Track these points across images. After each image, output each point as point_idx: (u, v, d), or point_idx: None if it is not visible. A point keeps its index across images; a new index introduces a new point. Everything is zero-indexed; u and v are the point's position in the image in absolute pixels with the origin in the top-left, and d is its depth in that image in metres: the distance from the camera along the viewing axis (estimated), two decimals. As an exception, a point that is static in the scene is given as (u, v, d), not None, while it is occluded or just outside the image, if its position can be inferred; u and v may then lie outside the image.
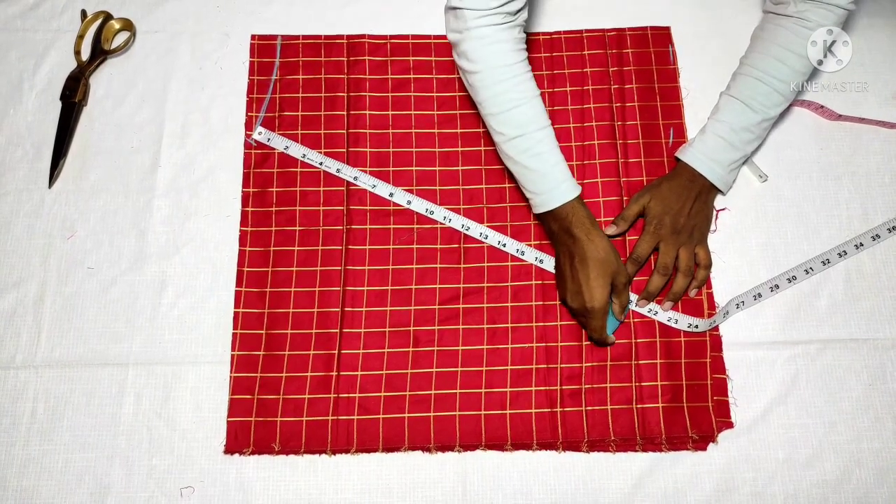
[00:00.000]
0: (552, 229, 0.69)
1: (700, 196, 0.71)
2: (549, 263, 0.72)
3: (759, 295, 0.71)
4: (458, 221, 0.73)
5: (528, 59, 0.68)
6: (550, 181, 0.67)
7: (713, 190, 0.72)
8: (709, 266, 0.71)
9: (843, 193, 0.75)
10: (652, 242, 0.70)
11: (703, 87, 0.79)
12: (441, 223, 0.74)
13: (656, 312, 0.70)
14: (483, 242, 0.73)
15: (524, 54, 0.68)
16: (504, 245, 0.73)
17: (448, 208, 0.75)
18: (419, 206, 0.74)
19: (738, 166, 0.73)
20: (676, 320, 0.70)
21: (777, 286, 0.71)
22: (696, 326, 0.69)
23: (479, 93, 0.67)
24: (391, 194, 0.74)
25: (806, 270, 0.72)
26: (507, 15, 0.65)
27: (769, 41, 0.71)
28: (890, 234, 0.73)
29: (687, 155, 0.72)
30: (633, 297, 0.71)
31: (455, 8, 0.65)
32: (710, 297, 0.71)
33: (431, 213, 0.74)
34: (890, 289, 0.72)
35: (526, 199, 0.71)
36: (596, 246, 0.66)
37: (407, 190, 0.75)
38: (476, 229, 0.73)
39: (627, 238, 0.73)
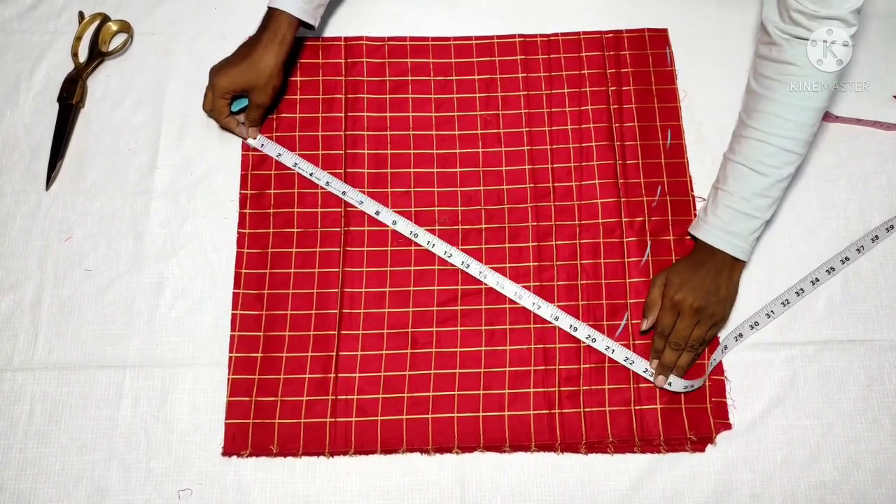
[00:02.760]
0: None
1: (722, 270, 0.67)
2: (546, 310, 0.70)
3: (772, 312, 0.71)
4: (440, 248, 0.72)
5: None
6: None
7: (737, 264, 0.68)
8: (707, 343, 0.68)
9: (840, 195, 0.76)
10: (673, 315, 0.67)
11: (701, 89, 0.79)
12: (425, 247, 0.73)
13: (633, 362, 0.68)
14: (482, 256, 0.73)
15: None
16: (503, 287, 0.71)
17: (446, 209, 0.75)
18: (404, 227, 0.73)
19: (760, 232, 0.68)
20: (670, 381, 0.68)
21: (787, 301, 0.71)
22: (692, 386, 0.68)
23: None
24: (377, 212, 0.74)
25: (812, 281, 0.72)
26: None
27: (767, 98, 0.66)
28: (888, 233, 0.73)
29: (701, 231, 0.68)
30: (642, 362, 0.69)
31: None
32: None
33: (416, 235, 0.73)
34: (887, 290, 0.72)
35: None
36: None
37: (404, 192, 0.75)
38: (476, 267, 0.72)
39: (627, 278, 0.73)
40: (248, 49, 0.72)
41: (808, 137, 0.66)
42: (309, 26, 0.74)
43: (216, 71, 0.73)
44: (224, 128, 0.76)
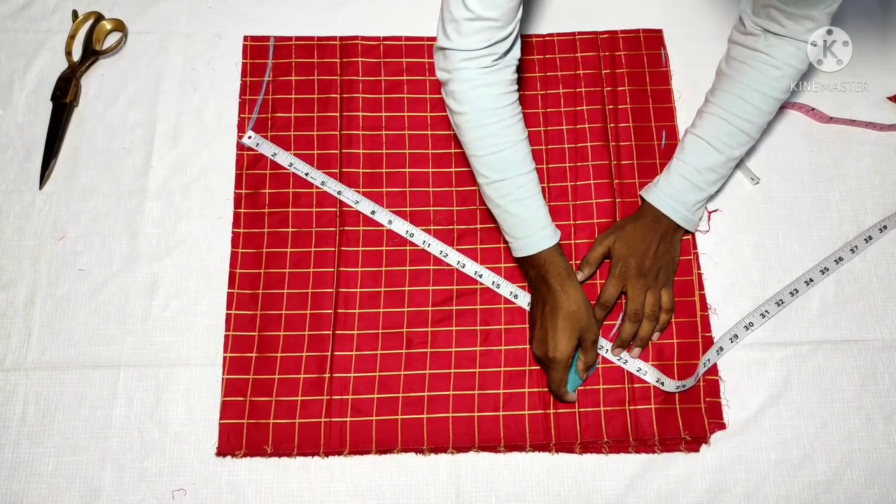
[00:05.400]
0: (529, 275, 0.69)
1: (665, 237, 0.70)
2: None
3: (767, 312, 0.71)
4: (436, 247, 0.73)
5: (518, 101, 0.67)
6: (530, 227, 0.66)
7: (679, 230, 0.71)
8: (671, 310, 0.69)
9: (833, 195, 0.76)
10: (619, 286, 0.69)
11: (696, 89, 0.79)
12: (421, 246, 0.73)
13: (626, 361, 0.69)
14: (477, 249, 0.73)
15: (514, 97, 0.66)
16: (499, 287, 0.71)
17: (442, 209, 0.75)
18: (399, 227, 0.73)
19: (703, 206, 0.72)
20: (662, 381, 0.68)
21: (782, 301, 0.71)
22: (684, 386, 0.68)
23: (464, 134, 0.66)
24: (373, 212, 0.74)
25: (806, 281, 0.72)
26: (496, 57, 0.64)
27: (734, 79, 0.69)
28: (881, 233, 0.74)
29: (651, 195, 0.70)
30: (606, 343, 0.69)
31: (443, 48, 0.64)
32: (703, 298, 0.72)
33: (412, 235, 0.73)
34: (880, 290, 0.72)
35: (506, 242, 0.70)
36: (569, 297, 0.65)
37: (400, 192, 0.75)
38: (472, 267, 0.72)
39: (598, 280, 0.72)
40: (550, 307, 0.66)
41: (763, 124, 0.70)
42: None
43: (553, 349, 0.65)
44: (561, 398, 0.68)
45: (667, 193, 0.70)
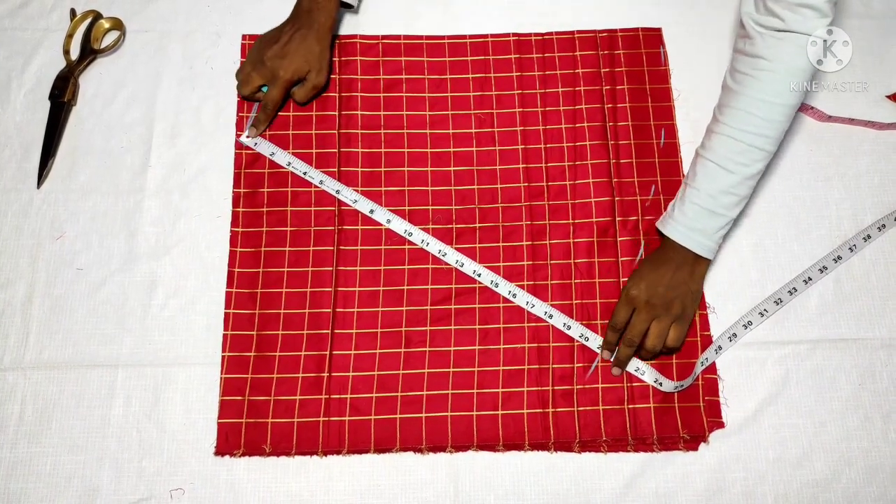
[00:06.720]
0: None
1: (682, 267, 0.67)
2: (539, 308, 0.71)
3: (765, 311, 0.71)
4: (435, 246, 0.72)
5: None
6: None
7: (700, 261, 0.67)
8: (675, 350, 0.67)
9: (833, 194, 0.76)
10: (628, 309, 0.67)
11: (695, 88, 0.79)
12: (419, 245, 0.73)
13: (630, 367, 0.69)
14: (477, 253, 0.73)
15: None
16: (497, 286, 0.71)
17: (440, 208, 0.75)
18: (398, 226, 0.73)
19: (726, 230, 0.67)
20: (660, 382, 0.68)
21: (780, 300, 0.71)
22: (682, 385, 0.68)
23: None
24: (371, 211, 0.74)
25: (805, 280, 0.72)
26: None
27: (738, 92, 0.65)
28: (880, 232, 0.74)
29: (667, 227, 0.68)
30: (636, 362, 0.69)
31: None
32: (702, 297, 0.71)
33: (410, 234, 0.73)
34: (879, 289, 0.72)
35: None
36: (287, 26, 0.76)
37: (398, 191, 0.75)
38: (470, 266, 0.72)
39: (620, 282, 0.72)
40: (300, 37, 0.75)
41: (777, 134, 0.65)
42: (348, 6, 0.80)
43: (279, 60, 0.74)
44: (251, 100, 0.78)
45: (681, 223, 0.67)
